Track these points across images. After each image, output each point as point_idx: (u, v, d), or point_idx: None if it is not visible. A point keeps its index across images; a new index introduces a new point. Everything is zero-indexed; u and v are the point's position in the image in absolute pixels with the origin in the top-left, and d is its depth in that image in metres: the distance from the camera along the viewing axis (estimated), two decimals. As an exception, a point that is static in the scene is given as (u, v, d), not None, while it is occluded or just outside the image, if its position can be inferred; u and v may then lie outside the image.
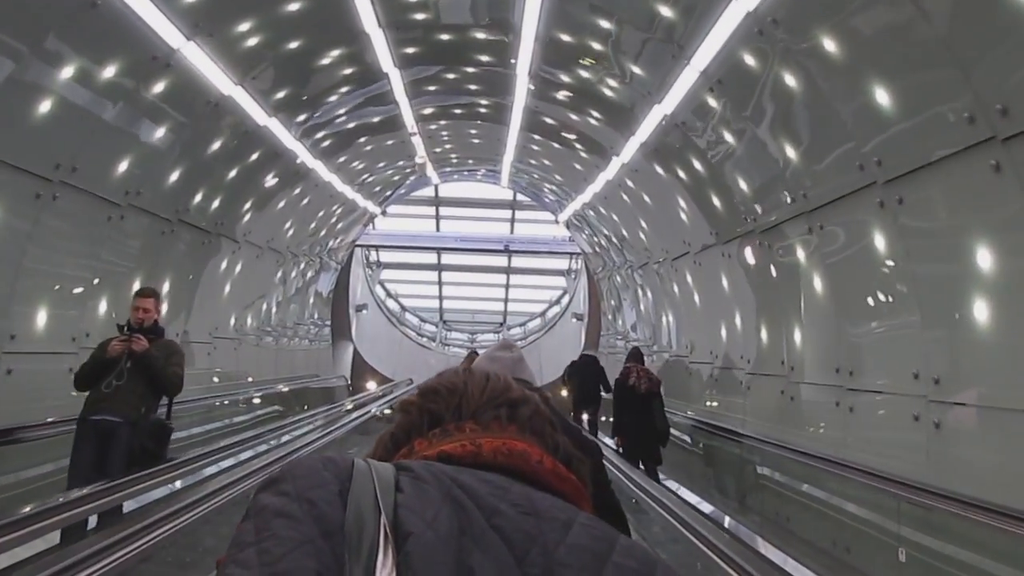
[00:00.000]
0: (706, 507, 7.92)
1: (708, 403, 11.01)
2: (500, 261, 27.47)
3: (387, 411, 16.05)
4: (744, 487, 9.13)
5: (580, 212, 16.50)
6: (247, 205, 11.59)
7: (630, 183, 11.92)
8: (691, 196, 10.04)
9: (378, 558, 0.73)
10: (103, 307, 8.54)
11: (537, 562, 0.75)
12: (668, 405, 9.84)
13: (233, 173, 10.44)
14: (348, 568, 0.72)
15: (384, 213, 21.22)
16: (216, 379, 11.91)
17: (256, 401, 13.24)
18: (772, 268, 8.59)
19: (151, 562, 4.59)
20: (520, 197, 23.69)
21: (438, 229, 25.66)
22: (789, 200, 7.55)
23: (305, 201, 13.84)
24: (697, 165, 9.31)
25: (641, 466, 8.59)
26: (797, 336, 8.25)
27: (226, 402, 11.66)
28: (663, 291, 13.40)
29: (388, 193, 18.29)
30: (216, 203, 10.53)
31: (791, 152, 7.26)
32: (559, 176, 15.18)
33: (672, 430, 10.27)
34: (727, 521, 7.23)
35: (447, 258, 27.77)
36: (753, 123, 7.57)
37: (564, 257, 27.06)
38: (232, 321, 12.94)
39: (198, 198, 9.92)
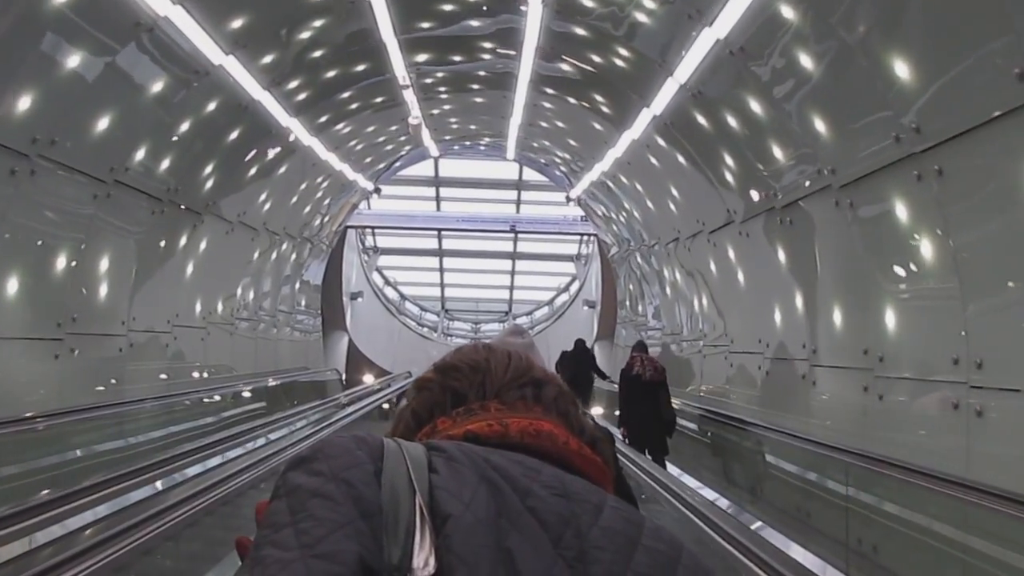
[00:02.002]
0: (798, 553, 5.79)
1: (755, 403, 9.23)
2: (505, 246, 26.20)
3: (385, 406, 14.50)
4: (829, 519, 7.16)
5: (596, 185, 14.70)
6: (208, 169, 9.80)
7: (661, 141, 10.10)
8: (743, 149, 8.22)
9: (415, 539, 0.73)
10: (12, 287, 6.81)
11: (572, 544, 0.75)
12: (700, 402, 9.24)
13: (186, 126, 8.64)
14: (386, 549, 0.71)
15: (378, 192, 19.46)
16: (174, 376, 10.15)
17: (225, 399, 11.48)
18: (854, 234, 6.77)
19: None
20: (527, 176, 22.15)
21: (439, 210, 23.91)
22: (893, 139, 5.72)
23: (282, 169, 12.05)
24: (755, 107, 7.48)
25: (647, 455, 8.37)
26: (889, 318, 6.45)
27: (187, 402, 9.90)
28: (696, 271, 11.61)
29: (381, 166, 16.48)
30: (166, 163, 8.74)
31: (903, 71, 5.45)
32: (573, 141, 13.36)
33: (722, 436, 9.13)
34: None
35: (448, 242, 26.41)
36: (844, 30, 5.75)
37: (574, 242, 25.81)
38: (198, 307, 11.19)
39: (140, 154, 8.13)
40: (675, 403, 10.42)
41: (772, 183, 7.87)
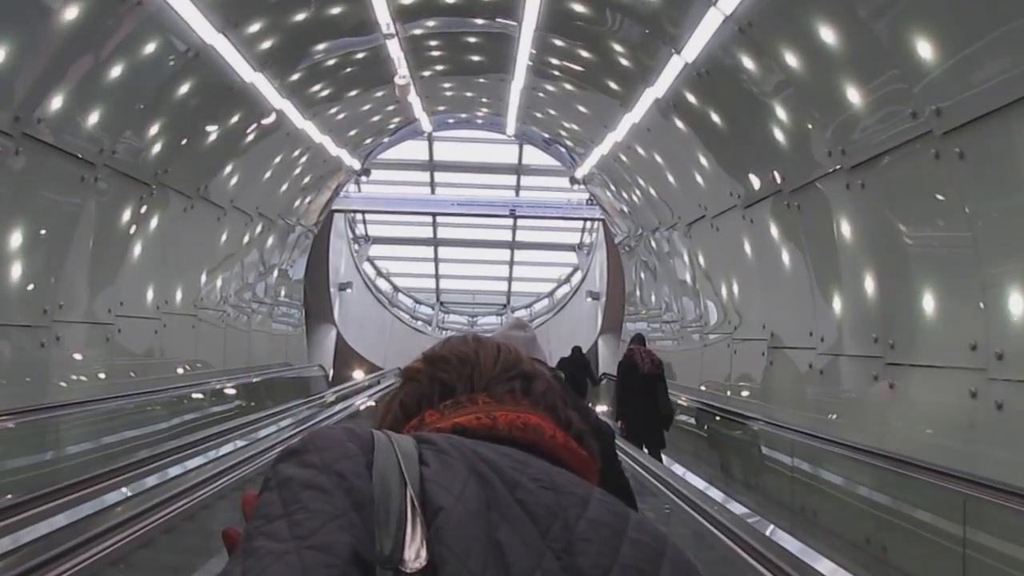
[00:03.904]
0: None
1: (804, 409, 7.72)
2: (503, 235, 24.97)
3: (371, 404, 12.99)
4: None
5: (605, 161, 13.15)
6: (154, 129, 8.24)
7: (691, 97, 8.55)
8: (801, 95, 6.68)
9: (406, 531, 0.73)
10: None
11: (560, 537, 0.76)
12: (728, 404, 9.02)
13: (117, 71, 7.08)
14: (378, 541, 0.72)
15: (367, 174, 17.91)
16: (116, 375, 8.60)
17: (183, 402, 9.93)
18: (962, 193, 5.24)
19: None
20: (527, 160, 20.75)
21: (433, 194, 22.43)
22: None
23: (250, 137, 10.49)
24: (826, 34, 5.94)
25: (644, 449, 8.33)
26: (1015, 303, 4.92)
27: (129, 405, 8.33)
28: (726, 253, 10.09)
29: (368, 142, 14.90)
30: (95, 117, 7.19)
31: None
32: (583, 106, 11.80)
33: (760, 451, 7.90)
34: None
35: (444, 231, 25.18)
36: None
37: (576, 230, 24.61)
38: (150, 295, 9.64)
39: (57, 104, 6.57)
40: (683, 402, 10.24)
41: (841, 136, 6.33)
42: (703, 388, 11.01)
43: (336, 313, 21.61)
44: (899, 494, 5.88)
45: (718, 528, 4.72)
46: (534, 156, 21.03)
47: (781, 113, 7.06)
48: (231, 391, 11.74)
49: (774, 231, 8.36)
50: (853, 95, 5.91)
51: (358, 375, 20.17)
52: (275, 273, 14.86)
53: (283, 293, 15.81)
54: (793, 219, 7.69)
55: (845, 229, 6.84)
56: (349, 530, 0.71)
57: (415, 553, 0.72)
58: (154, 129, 8.21)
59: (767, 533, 4.80)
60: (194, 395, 10.37)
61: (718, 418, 9.37)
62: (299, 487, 0.74)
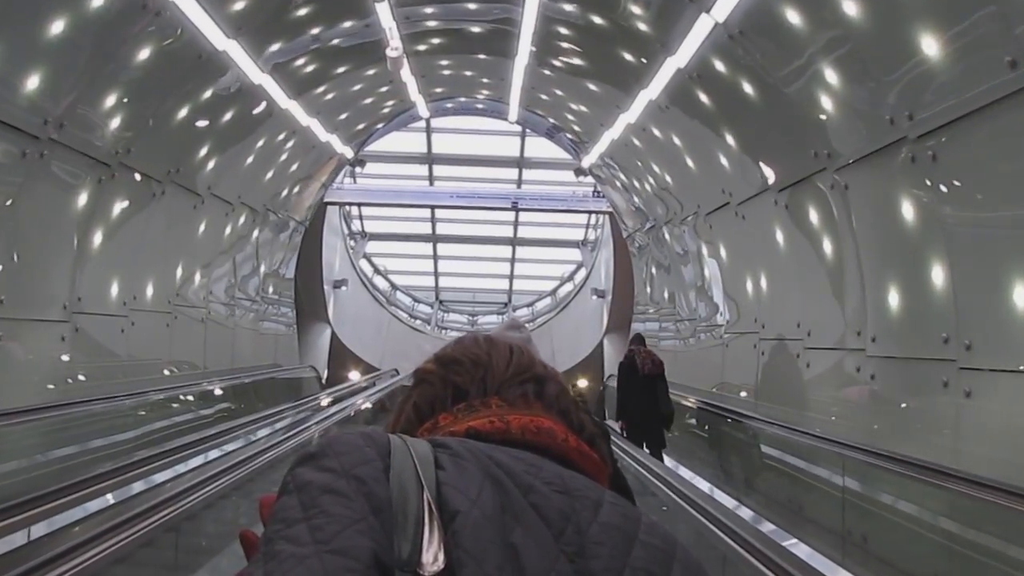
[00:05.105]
0: None
1: (855, 420, 6.75)
2: (504, 230, 24.28)
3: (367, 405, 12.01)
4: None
5: (616, 146, 12.19)
6: (110, 101, 7.27)
7: (720, 65, 7.57)
8: (858, 51, 5.70)
9: (424, 535, 0.74)
10: None
11: (573, 540, 0.78)
12: (755, 409, 8.39)
13: (60, 28, 6.10)
14: (396, 545, 0.73)
15: (361, 164, 16.99)
16: (72, 376, 7.64)
17: (154, 408, 8.95)
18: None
19: None
20: (530, 152, 19.78)
21: (431, 186, 21.55)
22: None
23: (228, 116, 9.52)
24: (849, 10, 4.98)
25: (645, 448, 8.35)
26: None
27: (82, 412, 7.34)
28: (752, 243, 9.14)
29: (360, 127, 13.93)
30: (37, 83, 6.22)
31: None
32: (593, 85, 10.82)
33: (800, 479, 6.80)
34: None
35: (443, 227, 24.45)
36: None
37: (580, 226, 23.78)
38: (114, 290, 8.68)
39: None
40: (690, 403, 9.88)
41: (908, 99, 5.36)
42: (723, 392, 10.07)
43: (330, 312, 20.70)
44: (972, 521, 4.95)
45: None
46: (537, 149, 20.17)
47: (831, 76, 6.09)
48: (211, 395, 10.79)
49: (814, 216, 7.39)
50: (929, 45, 4.93)
51: (354, 376, 19.35)
52: (262, 268, 13.88)
53: (271, 290, 14.84)
54: (840, 201, 6.72)
55: (907, 210, 5.87)
56: (369, 534, 0.72)
57: (433, 556, 0.73)
58: (109, 101, 7.24)
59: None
60: (210, 388, 9.45)
61: (728, 421, 8.50)
62: (318, 491, 0.75)
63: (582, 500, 0.81)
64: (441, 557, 0.72)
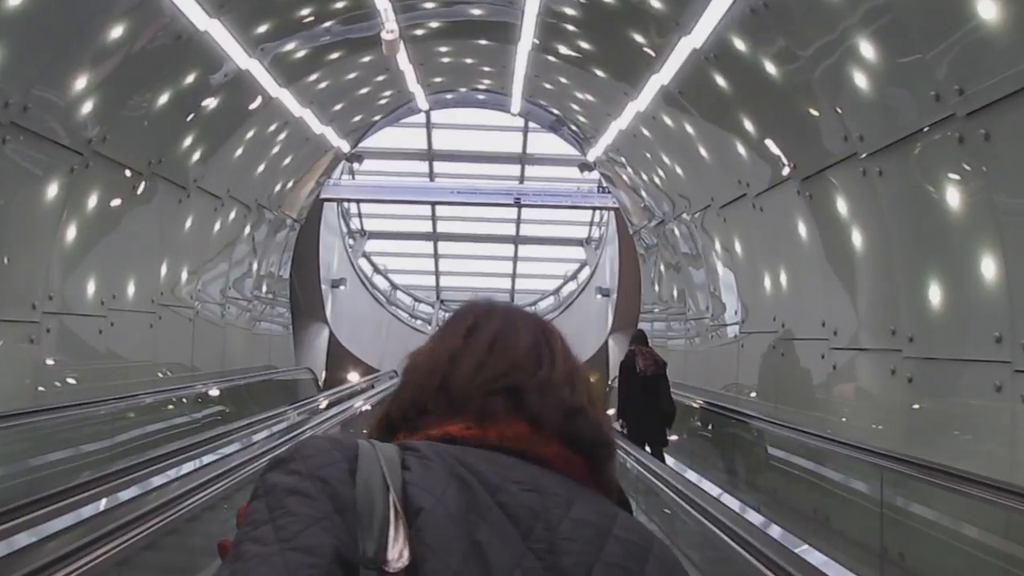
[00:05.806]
0: None
1: (890, 425, 6.19)
2: (507, 229, 23.79)
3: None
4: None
5: (624, 137, 11.63)
6: (81, 83, 6.72)
7: (739, 44, 7.02)
8: (887, 37, 5.15)
9: (389, 533, 0.76)
10: None
11: (542, 537, 0.78)
12: (778, 415, 7.82)
13: (21, 0, 5.56)
14: (361, 543, 0.75)
15: (359, 160, 16.47)
16: (43, 380, 7.10)
17: (134, 414, 8.39)
18: None
19: None
20: (533, 148, 19.25)
21: (432, 182, 21.05)
22: None
23: (214, 103, 8.96)
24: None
25: (647, 448, 8.25)
26: None
27: (48, 421, 6.78)
28: (771, 237, 8.59)
29: (357, 119, 13.38)
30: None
31: None
32: (601, 72, 10.25)
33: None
34: None
35: (444, 225, 23.97)
36: None
37: (583, 224, 23.32)
38: (91, 288, 8.15)
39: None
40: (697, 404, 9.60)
41: (957, 72, 4.80)
42: (737, 395, 9.53)
43: (328, 312, 20.28)
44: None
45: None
46: (540, 144, 19.65)
47: (866, 51, 5.53)
48: (198, 401, 10.25)
49: (842, 206, 6.83)
50: (986, 7, 4.37)
51: (353, 377, 18.89)
52: (255, 266, 13.35)
53: (265, 289, 14.30)
54: (873, 189, 6.15)
55: (952, 196, 5.31)
56: (332, 532, 0.73)
57: (398, 553, 0.75)
58: (80, 83, 6.69)
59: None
60: (197, 391, 8.92)
61: (746, 426, 7.91)
62: (284, 493, 0.77)
63: (553, 497, 0.82)
64: (406, 554, 0.74)
